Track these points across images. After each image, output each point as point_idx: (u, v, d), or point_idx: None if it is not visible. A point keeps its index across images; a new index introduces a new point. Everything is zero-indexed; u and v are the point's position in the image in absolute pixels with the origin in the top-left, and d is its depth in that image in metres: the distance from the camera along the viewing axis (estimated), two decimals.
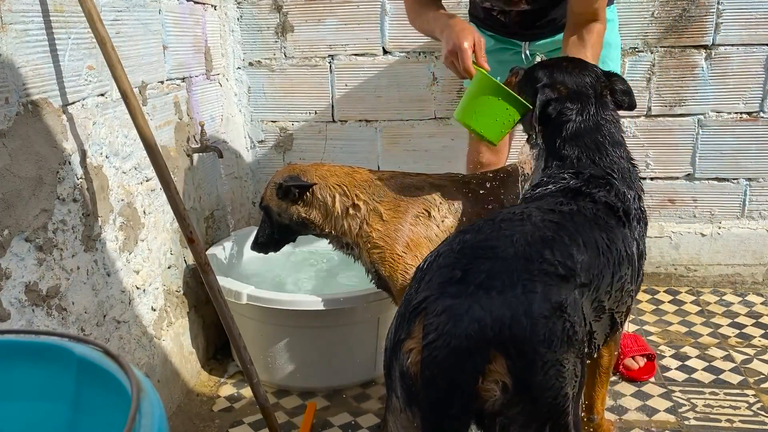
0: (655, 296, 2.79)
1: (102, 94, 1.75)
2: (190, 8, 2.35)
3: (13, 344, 0.91)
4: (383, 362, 1.26)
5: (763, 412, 2.00)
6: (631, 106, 1.73)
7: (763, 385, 2.14)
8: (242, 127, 2.88)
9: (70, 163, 1.60)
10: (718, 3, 2.56)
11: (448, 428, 1.11)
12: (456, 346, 1.08)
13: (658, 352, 2.35)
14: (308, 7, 2.74)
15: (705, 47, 2.63)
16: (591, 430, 1.74)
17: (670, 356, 2.33)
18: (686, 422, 1.97)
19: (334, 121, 2.88)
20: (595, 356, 1.57)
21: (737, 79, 2.64)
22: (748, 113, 2.68)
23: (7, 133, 1.38)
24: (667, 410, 2.03)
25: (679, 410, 2.03)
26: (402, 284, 1.80)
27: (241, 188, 2.86)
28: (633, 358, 2.21)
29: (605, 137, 1.58)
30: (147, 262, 1.98)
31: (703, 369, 2.25)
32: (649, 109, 2.72)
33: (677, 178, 2.79)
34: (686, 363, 2.28)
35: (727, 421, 1.97)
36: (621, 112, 1.70)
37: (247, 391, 2.17)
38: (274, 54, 2.82)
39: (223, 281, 2.05)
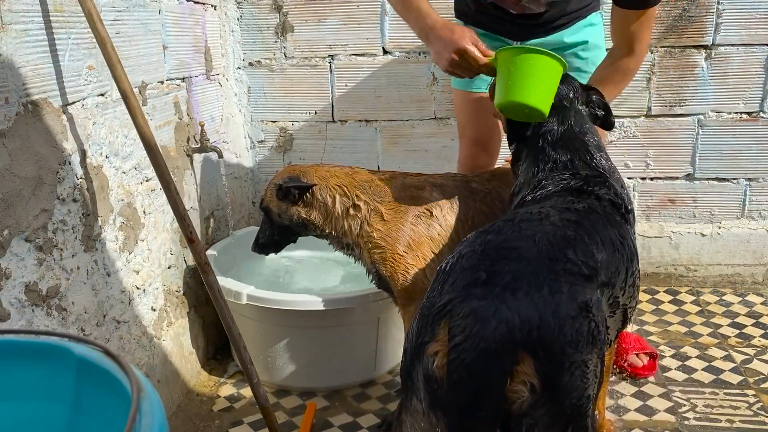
0: (655, 296, 2.79)
1: (102, 94, 1.75)
2: (190, 8, 2.35)
3: (13, 344, 0.91)
4: (402, 364, 1.25)
5: (763, 412, 2.00)
6: (606, 125, 1.73)
7: (763, 385, 2.14)
8: (242, 127, 2.88)
9: (70, 163, 1.60)
10: (718, 3, 2.56)
11: (477, 431, 1.11)
12: (484, 348, 1.08)
13: (658, 352, 2.35)
14: (308, 7, 2.74)
15: (705, 47, 2.63)
16: None
17: (670, 356, 2.33)
18: (686, 422, 1.97)
19: (334, 121, 2.88)
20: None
21: (737, 79, 2.64)
22: (748, 113, 2.68)
23: (7, 133, 1.38)
24: (667, 410, 2.03)
25: (679, 410, 2.03)
26: (403, 284, 1.80)
27: (241, 188, 2.86)
28: (637, 355, 2.22)
29: (590, 141, 1.61)
30: (147, 262, 1.98)
31: (703, 369, 2.25)
32: (649, 109, 2.72)
33: (677, 178, 2.79)
34: (686, 363, 2.28)
35: (727, 421, 1.97)
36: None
37: (247, 391, 2.17)
38: (274, 54, 2.82)
39: (223, 281, 2.05)
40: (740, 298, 2.75)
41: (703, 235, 2.83)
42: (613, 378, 2.18)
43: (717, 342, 2.42)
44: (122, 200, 1.84)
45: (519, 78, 1.54)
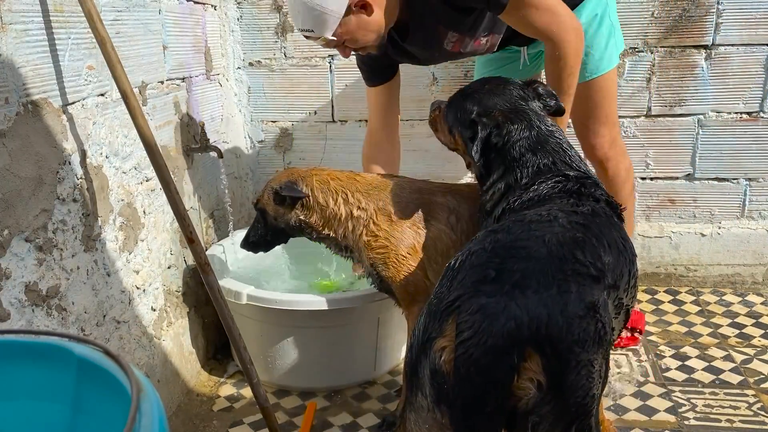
0: (655, 296, 2.79)
1: (102, 94, 1.75)
2: (190, 8, 2.35)
3: (13, 344, 0.91)
4: (407, 360, 1.25)
5: (763, 412, 2.00)
6: (558, 111, 1.74)
7: (763, 385, 2.14)
8: (242, 127, 2.88)
9: (70, 163, 1.60)
10: (718, 3, 2.56)
11: (482, 426, 1.12)
12: (492, 344, 1.09)
13: (658, 352, 2.35)
14: None
15: (705, 47, 2.63)
16: None
17: (670, 356, 2.33)
18: (686, 422, 1.97)
19: (334, 121, 2.88)
20: None
21: (737, 79, 2.64)
22: (748, 113, 2.68)
23: (7, 133, 1.38)
24: (667, 410, 2.03)
25: (679, 410, 2.03)
26: (405, 286, 1.80)
27: (241, 188, 2.86)
28: None
29: (562, 140, 1.63)
30: (147, 262, 1.98)
31: (703, 369, 2.24)
32: (649, 109, 2.72)
33: (677, 178, 2.79)
34: (686, 363, 2.28)
35: (727, 421, 1.97)
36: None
37: (247, 391, 2.17)
38: (274, 54, 2.81)
39: (223, 281, 2.05)
40: (740, 298, 2.75)
41: (703, 235, 2.83)
42: (612, 378, 2.18)
43: (717, 342, 2.42)
44: (122, 200, 1.84)
45: None
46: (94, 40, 1.61)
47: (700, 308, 2.68)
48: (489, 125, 1.61)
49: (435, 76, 2.75)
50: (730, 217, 2.81)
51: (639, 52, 2.65)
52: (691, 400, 2.07)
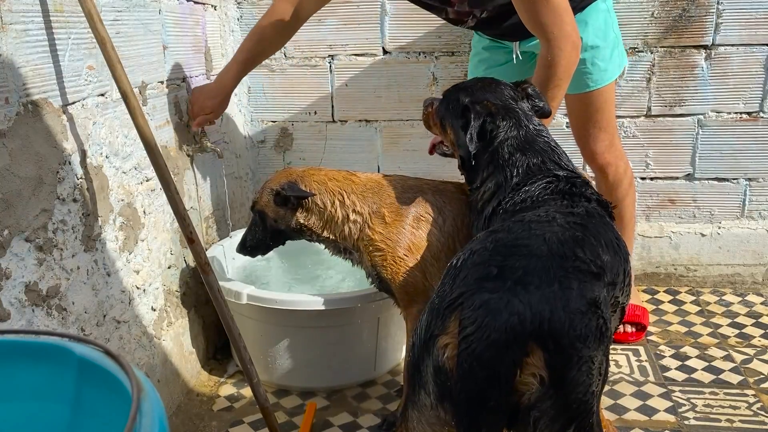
0: (655, 296, 2.79)
1: (102, 94, 1.75)
2: (190, 8, 2.35)
3: (13, 344, 0.91)
4: (410, 359, 1.25)
5: (763, 412, 2.00)
6: (545, 112, 1.75)
7: (763, 385, 2.14)
8: (242, 127, 2.88)
9: (70, 163, 1.60)
10: (718, 3, 2.56)
11: (485, 421, 1.12)
12: (495, 338, 1.09)
13: (658, 352, 2.35)
14: None
15: (705, 47, 2.63)
16: None
17: (670, 356, 2.33)
18: (686, 422, 1.97)
19: (334, 121, 2.88)
20: None
21: (737, 79, 2.64)
22: (748, 113, 2.68)
23: (7, 133, 1.38)
24: (667, 410, 2.03)
25: (679, 410, 2.03)
26: (404, 286, 1.80)
27: (241, 188, 2.86)
28: (623, 324, 2.29)
29: (549, 140, 1.65)
30: (147, 262, 1.98)
31: (703, 369, 2.25)
32: (649, 109, 2.72)
33: (677, 178, 2.79)
34: (686, 363, 2.28)
35: (727, 421, 1.97)
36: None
37: (247, 391, 2.17)
38: (274, 54, 2.81)
39: (223, 281, 2.05)
40: (740, 298, 2.75)
41: (703, 235, 2.83)
42: (613, 378, 2.18)
43: (717, 342, 2.42)
44: (122, 200, 1.84)
45: None
46: (94, 40, 1.61)
47: (700, 308, 2.68)
48: (482, 113, 1.63)
49: (435, 76, 2.76)
50: (730, 217, 2.81)
51: (639, 52, 2.65)
52: (691, 400, 2.07)
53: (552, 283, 1.14)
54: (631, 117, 2.72)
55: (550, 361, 1.09)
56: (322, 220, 1.87)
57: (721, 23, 2.58)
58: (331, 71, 2.81)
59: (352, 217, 1.84)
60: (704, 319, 2.59)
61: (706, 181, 2.78)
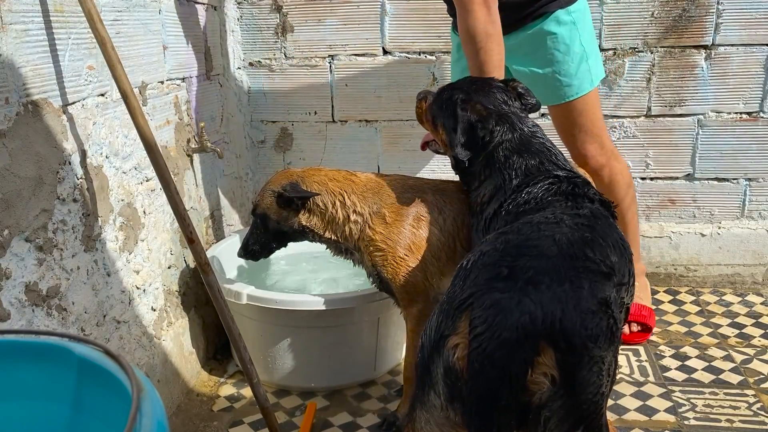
0: (655, 296, 2.79)
1: (102, 94, 1.75)
2: (190, 8, 2.35)
3: (13, 344, 0.91)
4: (419, 360, 1.25)
5: (763, 412, 2.00)
6: (535, 107, 1.76)
7: (763, 385, 2.14)
8: (242, 127, 2.88)
9: (70, 163, 1.60)
10: (718, 3, 2.56)
11: (496, 421, 1.12)
12: (507, 337, 1.09)
13: (658, 352, 2.35)
14: (308, 7, 2.74)
15: (705, 47, 2.63)
16: None
17: (670, 356, 2.33)
18: (686, 422, 1.97)
19: (334, 121, 2.88)
20: None
21: (737, 79, 2.64)
22: (748, 113, 2.68)
23: (7, 133, 1.38)
24: (667, 410, 2.03)
25: (679, 410, 2.03)
26: (405, 286, 1.79)
27: (241, 188, 2.86)
28: (629, 323, 2.29)
29: (544, 140, 1.65)
30: (147, 262, 1.98)
31: (703, 369, 2.25)
32: (649, 109, 2.72)
33: (677, 178, 2.79)
34: (686, 363, 2.28)
35: (727, 421, 1.97)
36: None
37: (247, 391, 2.17)
38: (274, 54, 2.82)
39: (223, 281, 2.05)
40: (740, 298, 2.75)
41: (703, 235, 2.83)
42: None
43: (717, 342, 2.42)
44: (122, 200, 1.84)
45: None
46: (94, 40, 1.61)
47: (700, 308, 2.68)
48: (473, 117, 1.64)
49: (435, 76, 2.76)
50: (730, 217, 2.81)
51: (639, 52, 2.65)
52: (691, 400, 2.07)
53: (563, 282, 1.14)
54: (631, 117, 2.72)
55: (562, 361, 1.09)
56: (323, 221, 1.87)
57: (721, 23, 2.58)
58: (331, 71, 2.81)
59: (353, 217, 1.84)
60: (704, 319, 2.59)
61: (706, 181, 2.78)
